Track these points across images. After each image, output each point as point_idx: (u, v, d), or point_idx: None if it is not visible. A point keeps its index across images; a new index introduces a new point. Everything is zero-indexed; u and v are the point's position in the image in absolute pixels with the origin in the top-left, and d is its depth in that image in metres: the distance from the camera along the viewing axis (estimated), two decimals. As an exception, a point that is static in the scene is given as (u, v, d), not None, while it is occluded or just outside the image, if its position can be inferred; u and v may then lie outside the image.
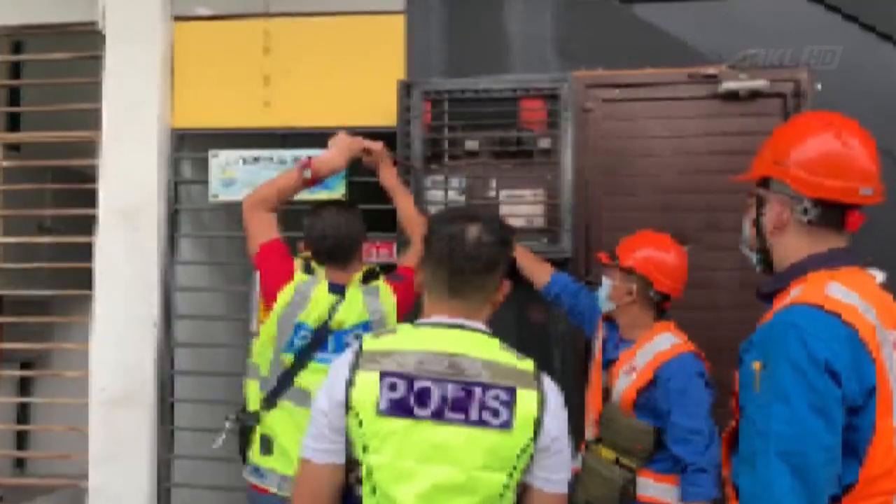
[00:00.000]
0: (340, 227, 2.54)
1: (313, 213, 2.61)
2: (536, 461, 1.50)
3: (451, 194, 3.22)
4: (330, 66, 3.46)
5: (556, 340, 3.28)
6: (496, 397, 1.48)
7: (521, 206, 3.20)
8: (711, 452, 2.35)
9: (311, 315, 2.50)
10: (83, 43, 3.61)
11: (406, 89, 3.25)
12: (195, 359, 3.65)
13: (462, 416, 1.47)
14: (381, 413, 1.47)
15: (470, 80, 3.24)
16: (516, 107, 3.26)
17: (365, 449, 1.48)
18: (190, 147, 3.61)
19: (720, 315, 3.19)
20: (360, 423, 1.48)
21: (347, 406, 1.49)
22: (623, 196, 3.29)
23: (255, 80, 3.51)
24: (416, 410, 1.47)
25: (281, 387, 2.51)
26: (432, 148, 3.25)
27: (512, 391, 1.49)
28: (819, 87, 3.19)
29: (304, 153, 3.40)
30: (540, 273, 2.90)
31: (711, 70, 3.21)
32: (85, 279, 3.51)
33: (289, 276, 2.55)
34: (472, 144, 3.25)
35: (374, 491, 1.48)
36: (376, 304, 2.57)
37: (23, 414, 4.40)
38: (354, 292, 2.56)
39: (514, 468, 1.48)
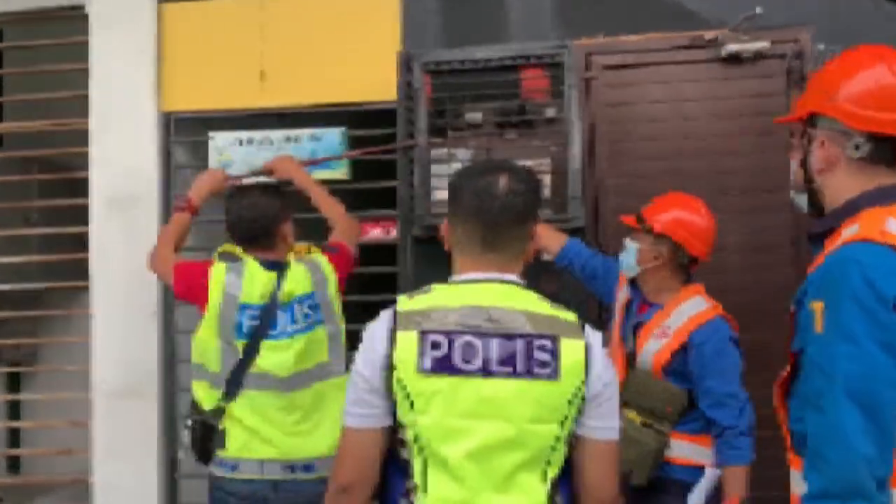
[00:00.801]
0: (255, 208, 2.50)
1: (230, 198, 2.59)
2: (587, 410, 1.48)
3: (456, 166, 3.16)
4: (324, 41, 3.38)
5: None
6: (542, 347, 1.45)
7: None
8: (746, 416, 2.35)
9: (253, 293, 2.46)
10: (67, 28, 3.50)
11: (406, 61, 3.19)
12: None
13: (509, 369, 1.44)
14: (424, 372, 1.44)
15: (469, 49, 3.19)
16: (517, 76, 3.21)
17: (411, 409, 1.44)
18: (182, 131, 3.52)
19: (727, 279, 3.16)
20: (404, 384, 1.44)
21: (389, 367, 1.45)
22: (628, 162, 3.26)
23: (249, 59, 3.42)
24: (462, 366, 1.44)
25: (237, 376, 2.46)
26: (435, 121, 3.19)
27: (556, 340, 1.46)
28: (821, 46, 3.18)
29: (303, 133, 3.34)
30: (553, 240, 2.86)
31: (713, 34, 3.19)
32: (75, 271, 3.41)
33: (207, 265, 2.53)
34: (474, 116, 3.20)
35: (421, 451, 1.45)
36: (319, 275, 2.54)
37: (13, 414, 4.27)
38: (296, 265, 2.53)
39: (566, 417, 1.46)
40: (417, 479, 1.46)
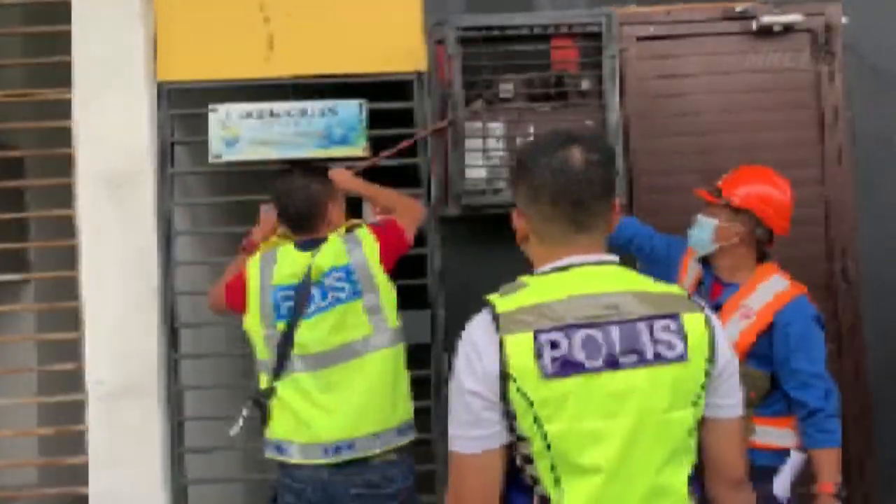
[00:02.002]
0: (302, 192, 2.46)
1: (276, 182, 2.53)
2: (714, 388, 1.37)
3: (490, 142, 2.99)
4: (338, 3, 3.13)
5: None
6: (665, 328, 1.33)
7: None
8: (833, 397, 2.29)
9: (283, 273, 2.42)
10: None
11: (434, 27, 2.98)
12: (197, 340, 3.26)
13: (636, 358, 1.30)
14: (548, 376, 1.27)
15: (507, 15, 3.01)
16: (547, 46, 3.06)
17: (536, 420, 1.28)
18: (177, 103, 3.19)
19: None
20: (525, 394, 1.28)
21: (504, 377, 1.28)
22: (661, 138, 3.17)
23: (255, 24, 3.13)
24: (587, 363, 1.29)
25: (282, 357, 2.40)
26: (466, 93, 3.00)
27: (678, 317, 1.34)
28: (845, 20, 3.18)
29: (317, 105, 3.08)
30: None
31: (745, 4, 3.14)
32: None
33: (244, 267, 2.53)
34: (507, 88, 3.03)
35: (552, 467, 1.29)
36: (356, 247, 2.45)
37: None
38: (333, 239, 2.46)
39: (699, 397, 1.35)
40: (550, 492, 1.30)
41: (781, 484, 2.32)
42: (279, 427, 2.41)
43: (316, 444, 2.35)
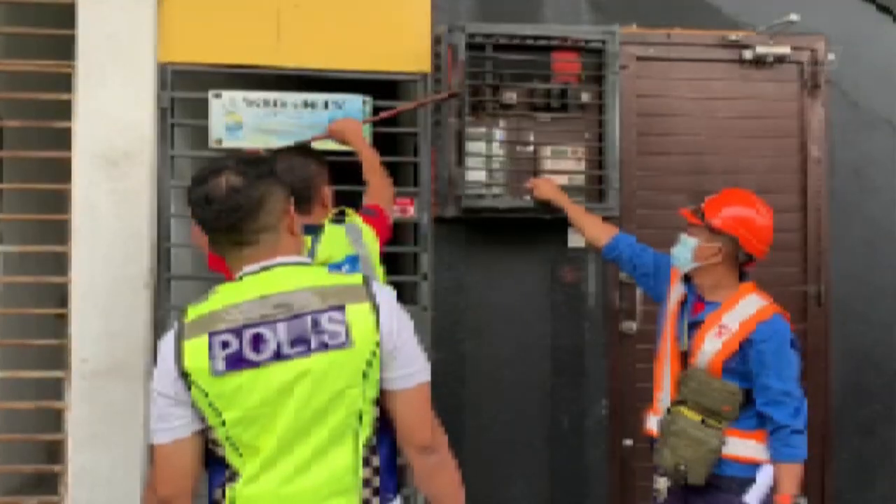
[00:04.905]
0: (293, 172, 2.39)
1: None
2: (386, 364, 1.52)
3: (492, 147, 3.07)
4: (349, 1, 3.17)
5: (588, 301, 3.25)
6: (331, 319, 1.48)
7: (562, 163, 3.11)
8: (802, 414, 2.38)
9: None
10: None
11: (448, 32, 3.04)
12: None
13: (303, 348, 1.47)
14: (219, 373, 1.45)
15: (516, 25, 3.08)
16: (549, 58, 3.15)
17: (215, 412, 1.46)
18: (177, 86, 3.17)
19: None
20: (202, 389, 1.46)
21: (184, 376, 1.46)
22: (654, 156, 3.29)
23: (265, 12, 3.14)
24: (255, 358, 1.46)
25: None
26: (472, 98, 3.07)
27: (343, 309, 1.49)
28: (832, 56, 3.34)
29: (323, 98, 3.11)
30: (601, 231, 2.82)
31: (740, 34, 3.28)
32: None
33: None
34: (510, 96, 3.10)
35: (235, 447, 1.48)
36: (360, 241, 2.46)
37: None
38: (333, 228, 2.45)
39: (367, 376, 1.50)
40: (237, 468, 1.49)
41: (755, 496, 2.43)
42: None
43: None
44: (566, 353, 3.24)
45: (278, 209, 1.56)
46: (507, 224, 3.14)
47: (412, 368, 1.55)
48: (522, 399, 3.23)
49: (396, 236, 3.23)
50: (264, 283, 1.51)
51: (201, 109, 3.15)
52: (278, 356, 1.46)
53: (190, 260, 3.25)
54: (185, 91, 3.18)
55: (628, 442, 3.24)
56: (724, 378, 2.44)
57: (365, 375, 1.49)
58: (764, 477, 2.44)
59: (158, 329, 3.06)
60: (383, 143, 3.17)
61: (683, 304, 2.59)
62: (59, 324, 3.06)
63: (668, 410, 2.54)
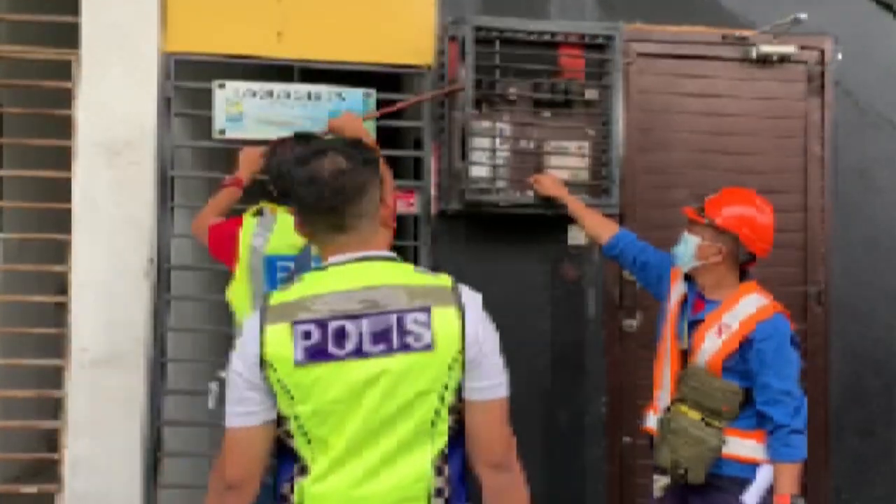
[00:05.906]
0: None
1: (270, 154, 2.55)
2: (469, 373, 1.48)
3: (497, 142, 3.06)
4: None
5: (588, 298, 3.24)
6: (416, 321, 1.44)
7: (565, 159, 3.10)
8: (802, 414, 2.37)
9: (281, 244, 2.38)
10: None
11: (453, 25, 3.03)
12: (189, 314, 3.25)
13: (384, 347, 1.43)
14: (299, 364, 1.42)
15: (522, 20, 3.07)
16: (554, 53, 3.13)
17: (291, 402, 1.44)
18: (180, 75, 3.16)
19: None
20: (280, 378, 1.43)
21: (263, 363, 1.43)
22: (656, 153, 3.28)
23: (265, 3, 3.12)
24: (336, 352, 1.43)
25: None
26: (477, 92, 3.05)
27: (428, 311, 1.45)
28: (840, 56, 3.33)
29: (322, 89, 3.10)
30: (603, 228, 2.81)
31: (746, 33, 3.26)
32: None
33: (239, 221, 2.49)
34: (514, 91, 3.09)
35: (308, 441, 1.45)
36: None
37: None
38: None
39: (445, 387, 1.46)
40: (308, 463, 1.46)
41: (753, 495, 2.43)
42: None
43: None
44: (566, 350, 3.24)
45: (377, 198, 1.53)
46: (508, 220, 3.13)
47: (492, 381, 1.50)
48: (522, 395, 3.20)
49: (396, 230, 3.23)
50: (352, 275, 1.47)
51: (201, 100, 3.14)
52: (359, 352, 1.42)
53: (190, 250, 3.23)
54: (187, 81, 3.17)
55: (628, 439, 3.24)
56: (724, 377, 2.43)
57: (444, 382, 1.45)
58: (763, 477, 2.43)
59: (158, 318, 3.06)
60: (385, 136, 3.16)
61: (684, 302, 2.58)
62: (59, 312, 3.05)
63: (668, 409, 2.53)
